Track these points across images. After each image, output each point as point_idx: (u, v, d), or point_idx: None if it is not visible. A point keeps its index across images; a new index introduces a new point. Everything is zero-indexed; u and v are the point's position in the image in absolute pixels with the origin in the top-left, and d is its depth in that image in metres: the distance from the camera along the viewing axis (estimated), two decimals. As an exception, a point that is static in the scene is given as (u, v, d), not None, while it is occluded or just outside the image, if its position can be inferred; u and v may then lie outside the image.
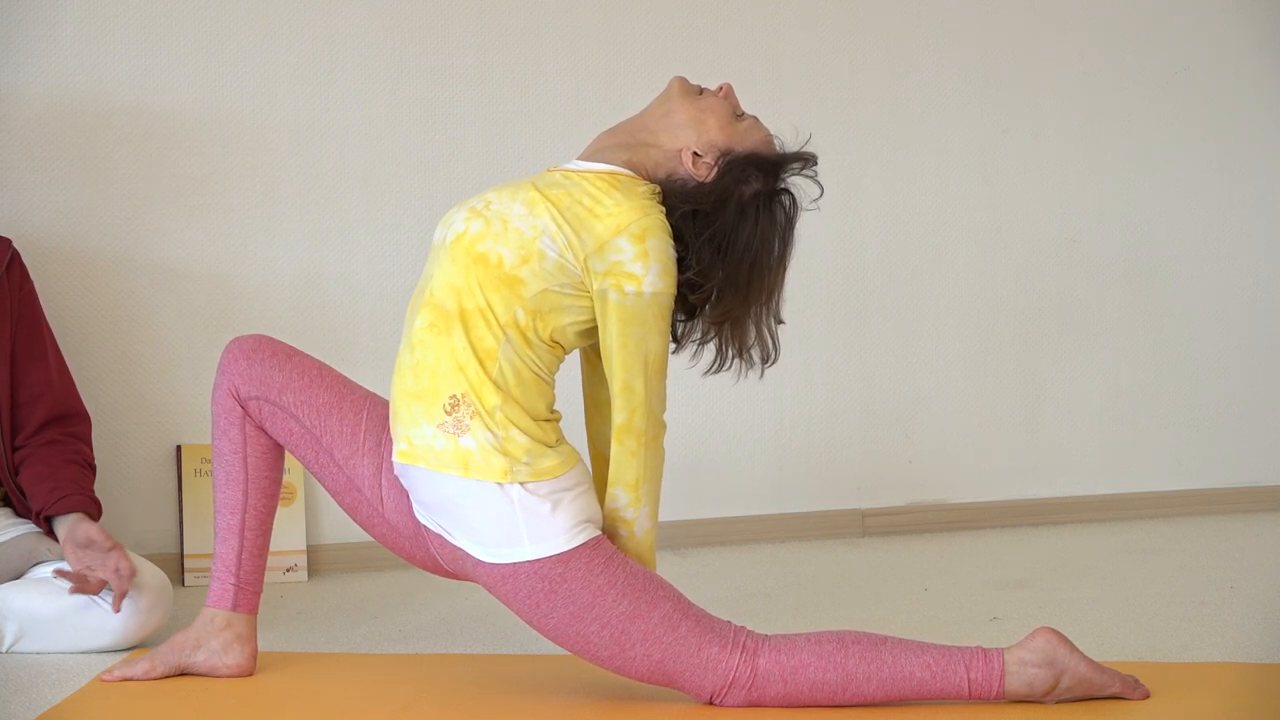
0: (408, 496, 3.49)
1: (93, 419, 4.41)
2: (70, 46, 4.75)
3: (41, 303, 4.39)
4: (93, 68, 4.77)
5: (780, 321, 3.53)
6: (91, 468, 4.27)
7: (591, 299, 3.39)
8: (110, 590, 3.95)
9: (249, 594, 3.69)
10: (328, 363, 3.71)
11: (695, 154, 3.49)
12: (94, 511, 4.11)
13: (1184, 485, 5.76)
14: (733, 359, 3.53)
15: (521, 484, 3.35)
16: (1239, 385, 5.82)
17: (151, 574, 4.05)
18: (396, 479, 3.50)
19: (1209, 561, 4.97)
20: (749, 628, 3.43)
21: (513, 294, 3.37)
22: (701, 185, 3.47)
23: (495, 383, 3.37)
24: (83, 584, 3.91)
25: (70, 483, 4.13)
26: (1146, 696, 3.42)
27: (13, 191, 4.70)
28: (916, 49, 5.51)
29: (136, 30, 4.80)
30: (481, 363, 3.37)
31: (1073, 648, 3.39)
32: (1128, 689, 3.42)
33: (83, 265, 4.77)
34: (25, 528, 4.15)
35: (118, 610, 3.92)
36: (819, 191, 3.53)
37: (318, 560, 4.95)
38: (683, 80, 3.59)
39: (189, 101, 4.85)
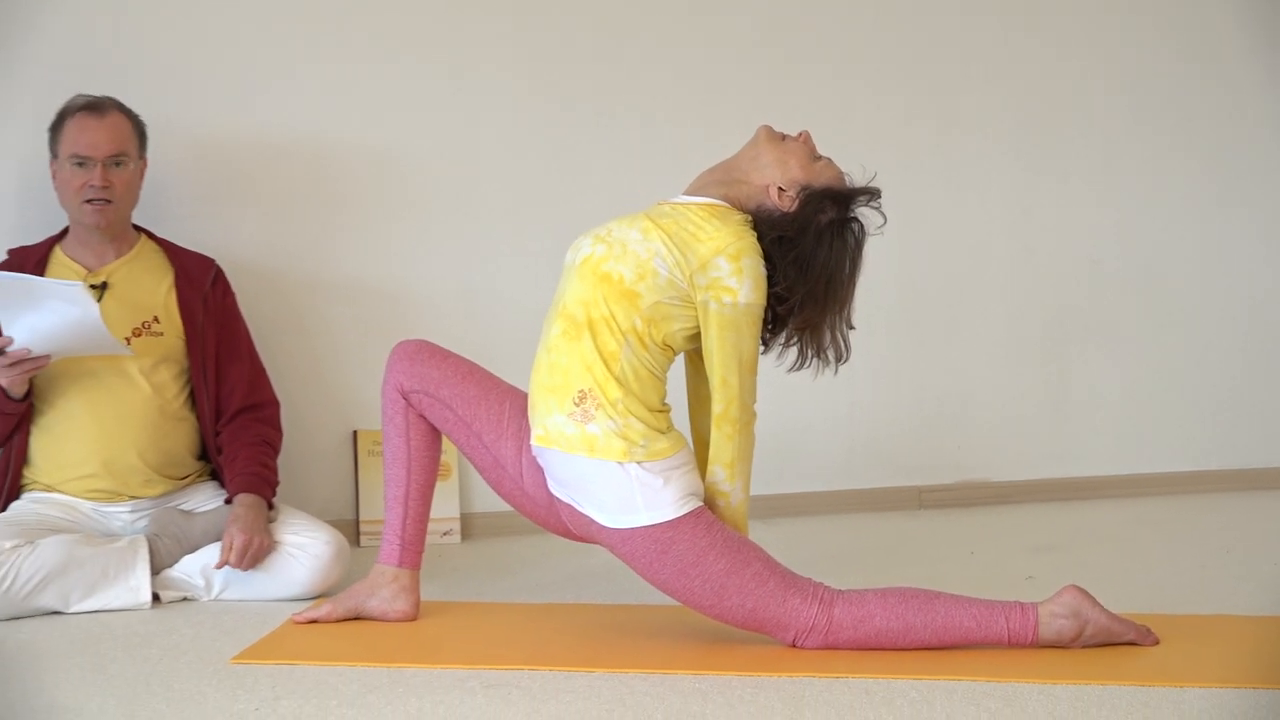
0: (543, 473, 3.49)
1: (284, 408, 4.44)
2: (267, 104, 4.79)
3: (242, 311, 4.43)
4: (286, 121, 4.80)
5: (851, 327, 3.52)
6: (272, 445, 4.31)
7: (696, 309, 3.39)
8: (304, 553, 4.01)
9: (413, 553, 3.70)
10: (476, 361, 3.72)
11: (780, 189, 3.48)
12: (257, 487, 4.15)
13: (1189, 467, 5.72)
14: (811, 358, 3.52)
15: (638, 463, 3.34)
16: (1236, 383, 5.77)
17: (333, 536, 4.07)
18: (534, 458, 3.50)
19: (1209, 531, 4.91)
20: (825, 584, 3.42)
21: (632, 305, 3.36)
22: (786, 215, 3.46)
23: (617, 379, 3.37)
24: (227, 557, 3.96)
25: (243, 464, 4.17)
26: (1157, 643, 3.39)
27: (221, 222, 4.73)
28: (964, 102, 5.49)
29: (319, 88, 4.84)
30: (606, 363, 3.37)
31: (1095, 602, 3.37)
32: (1141, 637, 3.39)
33: (277, 282, 4.80)
34: (230, 498, 4.20)
35: (219, 566, 3.96)
36: (882, 220, 3.51)
37: (469, 525, 4.96)
38: (769, 128, 3.58)
39: (365, 149, 4.88)
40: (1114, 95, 5.65)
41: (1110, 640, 3.38)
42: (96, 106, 4.22)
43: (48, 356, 3.94)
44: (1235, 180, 5.75)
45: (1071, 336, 5.64)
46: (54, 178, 4.25)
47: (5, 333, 3.90)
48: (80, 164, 4.18)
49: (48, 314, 3.84)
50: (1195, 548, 4.64)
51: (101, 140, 4.18)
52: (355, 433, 4.90)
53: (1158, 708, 2.96)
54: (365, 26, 4.89)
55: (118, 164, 4.20)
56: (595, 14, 5.12)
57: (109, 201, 4.19)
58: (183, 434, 4.24)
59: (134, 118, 4.28)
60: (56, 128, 4.24)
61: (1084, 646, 3.36)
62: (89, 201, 4.18)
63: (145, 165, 4.32)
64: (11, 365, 3.92)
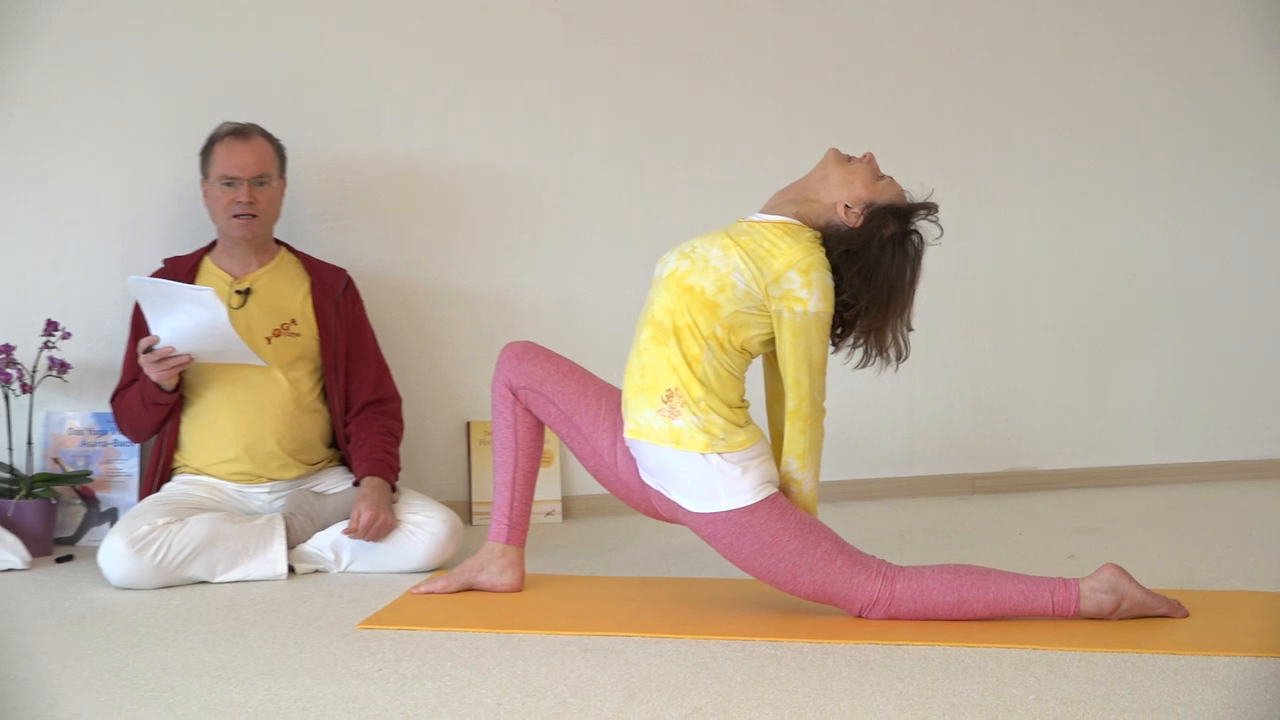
0: (635, 462, 3.51)
1: (405, 402, 4.47)
2: (395, 132, 4.83)
3: (369, 316, 4.47)
4: (410, 147, 4.84)
5: (911, 330, 3.51)
6: (394, 435, 4.32)
7: (770, 317, 3.39)
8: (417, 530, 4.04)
9: (519, 531, 3.72)
10: (576, 361, 3.74)
11: (846, 206, 3.48)
12: (382, 472, 4.17)
13: (1216, 458, 5.69)
14: (875, 358, 3.51)
15: (719, 454, 3.35)
16: (1257, 383, 5.73)
17: (449, 515, 4.10)
18: (627, 449, 3.51)
19: (1235, 516, 4.88)
20: (888, 561, 3.42)
21: (712, 314, 3.37)
22: (852, 230, 3.45)
23: (700, 380, 3.38)
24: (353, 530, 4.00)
25: (369, 451, 4.20)
26: (1187, 616, 3.37)
27: (350, 236, 4.78)
28: (1016, 130, 5.47)
29: (441, 119, 4.88)
30: (690, 365, 3.38)
31: (1131, 578, 3.35)
32: (1173, 610, 3.37)
33: (401, 289, 4.84)
34: (356, 482, 4.24)
35: (346, 533, 3.99)
36: (939, 232, 3.50)
37: (570, 507, 4.98)
38: (836, 151, 3.57)
39: (481, 172, 4.91)
40: (1149, 126, 5.61)
41: (1145, 613, 3.36)
42: (242, 132, 4.27)
43: (190, 356, 4.00)
44: (1257, 200, 5.71)
45: (1111, 340, 5.62)
46: (205, 196, 4.30)
47: (152, 333, 3.97)
48: (229, 184, 4.22)
49: (185, 316, 3.90)
50: (1222, 530, 4.60)
51: (247, 162, 4.23)
52: (468, 424, 4.93)
53: (1187, 674, 2.96)
54: (485, 62, 4.92)
55: (261, 183, 4.25)
56: (686, 57, 5.14)
57: (254, 216, 4.24)
58: (316, 424, 4.28)
59: (275, 141, 4.33)
60: (206, 152, 4.29)
61: (1121, 618, 3.35)
62: (236, 216, 4.22)
63: (285, 184, 4.37)
64: (159, 362, 3.98)
